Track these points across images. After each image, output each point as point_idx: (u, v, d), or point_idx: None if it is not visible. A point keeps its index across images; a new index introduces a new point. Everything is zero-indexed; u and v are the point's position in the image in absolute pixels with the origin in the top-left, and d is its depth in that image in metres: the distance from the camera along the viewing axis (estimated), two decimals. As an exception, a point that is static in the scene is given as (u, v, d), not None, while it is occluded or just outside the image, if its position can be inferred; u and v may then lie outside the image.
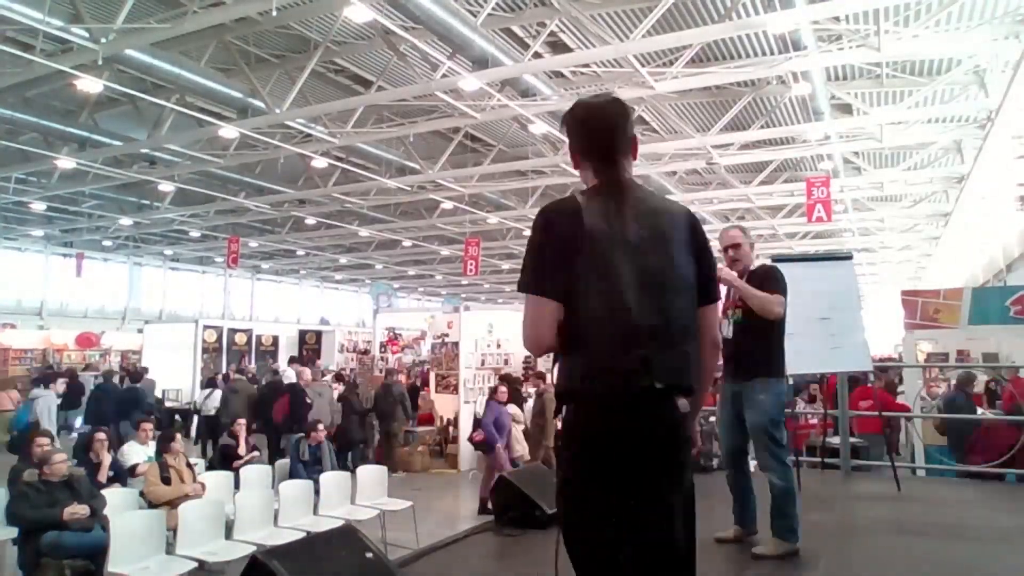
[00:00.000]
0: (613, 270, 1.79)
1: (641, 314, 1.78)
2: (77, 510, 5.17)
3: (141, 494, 5.92)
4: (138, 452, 7.00)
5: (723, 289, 3.69)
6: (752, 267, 3.98)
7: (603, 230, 1.81)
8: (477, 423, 11.19)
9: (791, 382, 6.77)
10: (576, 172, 2.07)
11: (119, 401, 11.69)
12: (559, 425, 1.89)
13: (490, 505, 6.22)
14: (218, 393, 12.21)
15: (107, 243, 23.73)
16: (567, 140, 2.04)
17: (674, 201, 2.00)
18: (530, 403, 10.36)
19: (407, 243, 22.35)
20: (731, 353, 3.87)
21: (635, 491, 1.75)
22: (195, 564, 4.80)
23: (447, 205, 17.04)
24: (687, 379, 1.86)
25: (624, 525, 1.76)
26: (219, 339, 17.31)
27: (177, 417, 13.98)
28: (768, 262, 4.18)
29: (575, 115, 2.01)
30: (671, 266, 1.86)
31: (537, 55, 8.76)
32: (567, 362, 1.84)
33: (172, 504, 5.64)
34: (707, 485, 4.43)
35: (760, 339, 3.80)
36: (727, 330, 3.85)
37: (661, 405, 1.80)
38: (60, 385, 12.68)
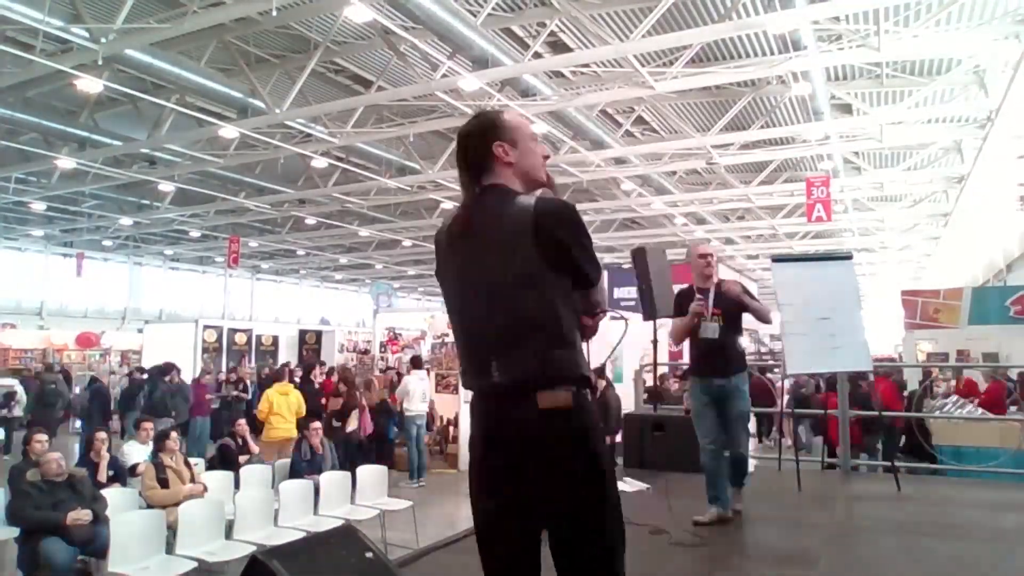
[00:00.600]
0: (451, 285, 1.98)
1: (477, 321, 1.90)
2: (80, 515, 5.14)
3: (141, 494, 5.91)
4: (138, 452, 6.99)
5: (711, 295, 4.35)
6: (718, 279, 4.47)
7: (446, 245, 2.00)
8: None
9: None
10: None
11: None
12: None
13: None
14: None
15: (107, 243, 23.73)
16: None
17: (522, 202, 1.90)
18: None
19: (407, 243, 22.35)
20: (716, 352, 4.31)
21: (500, 491, 1.85)
22: (195, 564, 4.80)
23: (447, 205, 17.04)
24: (549, 372, 1.81)
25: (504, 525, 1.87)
26: (219, 339, 17.31)
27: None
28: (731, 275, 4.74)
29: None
30: (501, 269, 1.85)
31: (537, 55, 8.76)
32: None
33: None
34: (703, 485, 4.43)
35: (737, 339, 4.39)
36: (713, 332, 4.29)
37: (514, 403, 1.81)
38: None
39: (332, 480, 6.51)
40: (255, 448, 7.94)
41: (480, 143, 2.01)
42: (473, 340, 1.92)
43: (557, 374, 1.82)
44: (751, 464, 5.00)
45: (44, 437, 6.05)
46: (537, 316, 1.84)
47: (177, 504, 5.47)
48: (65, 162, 12.63)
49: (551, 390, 1.80)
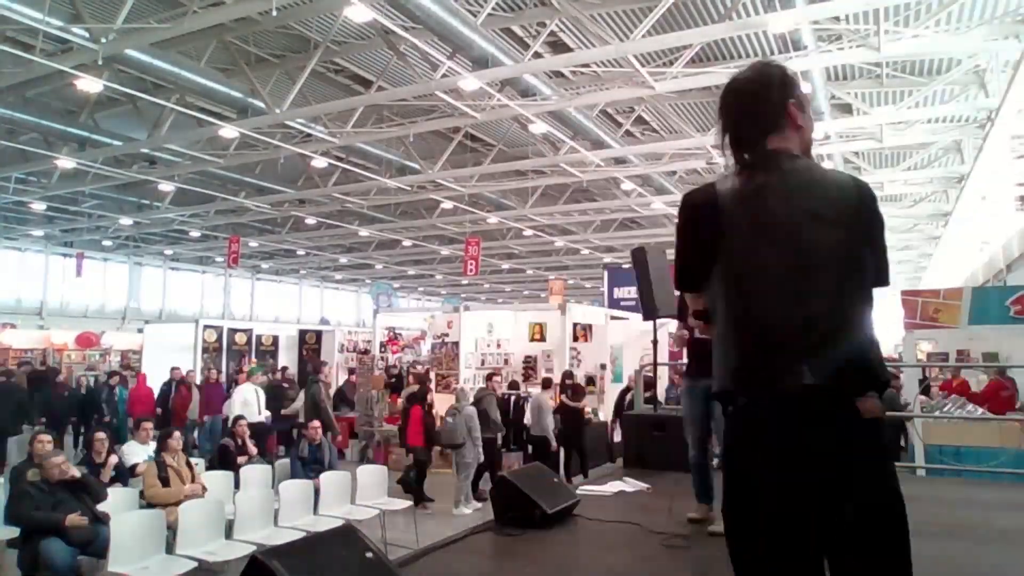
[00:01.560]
0: (755, 259, 1.63)
1: (794, 305, 1.60)
2: (76, 520, 5.11)
3: (141, 494, 5.92)
4: (139, 452, 7.00)
5: None
6: None
7: (743, 214, 1.66)
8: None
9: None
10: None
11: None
12: None
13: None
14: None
15: (107, 243, 23.75)
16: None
17: (843, 173, 1.80)
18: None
19: (407, 243, 22.35)
20: (704, 351, 4.00)
21: (799, 510, 1.57)
22: (195, 564, 4.80)
23: (447, 205, 17.04)
24: (867, 374, 1.62)
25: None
26: (219, 339, 17.28)
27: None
28: None
29: (721, 95, 1.87)
30: (832, 245, 1.63)
31: (537, 55, 8.76)
32: (717, 358, 1.72)
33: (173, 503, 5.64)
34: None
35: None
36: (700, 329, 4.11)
37: (827, 408, 1.58)
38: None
39: (332, 480, 6.52)
40: (253, 449, 7.94)
41: (778, 96, 1.78)
42: (777, 328, 1.60)
43: (870, 378, 1.64)
44: None
45: (48, 438, 6.05)
46: (860, 306, 1.64)
47: (177, 504, 5.48)
48: (65, 162, 12.63)
49: (870, 397, 1.62)
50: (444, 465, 11.74)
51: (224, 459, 7.59)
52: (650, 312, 5.87)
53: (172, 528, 5.18)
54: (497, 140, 13.44)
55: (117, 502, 5.54)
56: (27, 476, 5.39)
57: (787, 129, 1.76)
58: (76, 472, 5.36)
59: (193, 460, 6.77)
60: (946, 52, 9.18)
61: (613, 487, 5.17)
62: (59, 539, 5.01)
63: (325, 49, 9.20)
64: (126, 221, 19.18)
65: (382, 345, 16.16)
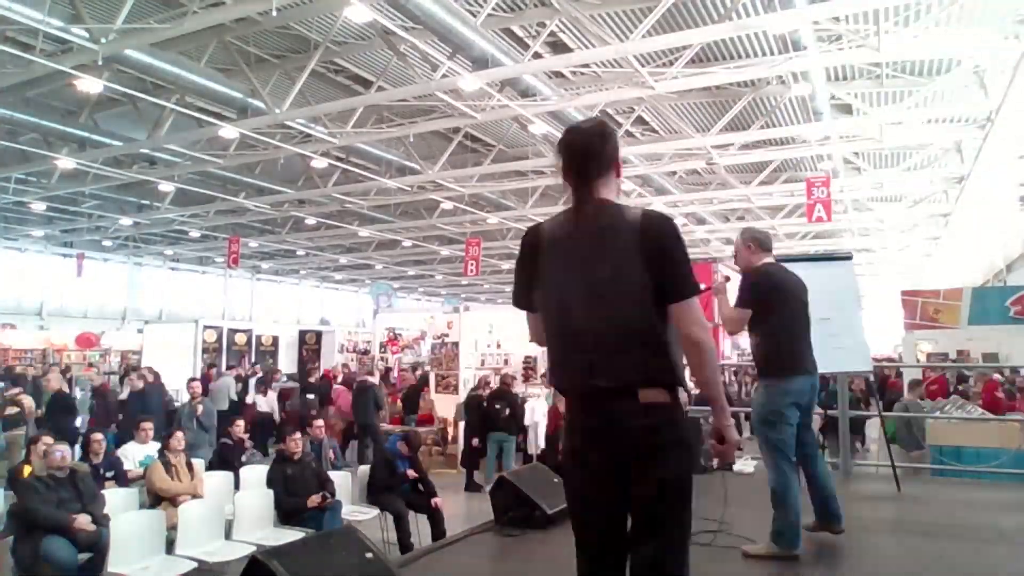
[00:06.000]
0: (560, 283, 2.04)
1: (587, 322, 2.00)
2: (84, 524, 5.08)
3: (141, 493, 5.92)
4: (138, 452, 6.99)
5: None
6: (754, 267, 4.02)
7: (556, 247, 2.07)
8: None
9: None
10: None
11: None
12: None
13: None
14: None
15: (107, 243, 23.71)
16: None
17: (633, 212, 2.06)
18: (531, 403, 10.37)
19: (407, 243, 22.34)
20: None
21: (594, 477, 2.04)
22: (195, 564, 4.80)
23: (447, 205, 17.04)
24: (644, 377, 2.00)
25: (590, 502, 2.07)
26: (219, 339, 17.30)
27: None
28: (769, 262, 4.10)
29: (561, 139, 2.20)
30: (615, 277, 2.00)
31: (537, 55, 8.75)
32: (548, 360, 2.21)
33: (172, 503, 5.64)
34: (702, 485, 4.43)
35: (755, 343, 3.92)
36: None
37: (612, 402, 1.99)
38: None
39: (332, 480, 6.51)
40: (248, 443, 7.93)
41: (608, 151, 2.12)
42: (576, 340, 2.05)
43: (645, 380, 2.01)
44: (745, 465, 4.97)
45: (51, 440, 6.04)
46: (641, 325, 2.01)
47: (174, 501, 5.49)
48: (65, 162, 12.62)
49: (663, 390, 2.02)
50: (444, 465, 11.76)
51: (224, 459, 7.59)
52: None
53: (172, 527, 5.18)
54: (497, 140, 13.44)
55: (117, 502, 5.54)
56: (25, 473, 5.39)
57: (609, 179, 2.11)
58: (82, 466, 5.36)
59: (194, 460, 6.77)
60: (946, 52, 9.17)
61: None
62: (61, 537, 4.99)
63: (325, 49, 9.19)
64: (126, 221, 19.16)
65: (382, 345, 16.17)
